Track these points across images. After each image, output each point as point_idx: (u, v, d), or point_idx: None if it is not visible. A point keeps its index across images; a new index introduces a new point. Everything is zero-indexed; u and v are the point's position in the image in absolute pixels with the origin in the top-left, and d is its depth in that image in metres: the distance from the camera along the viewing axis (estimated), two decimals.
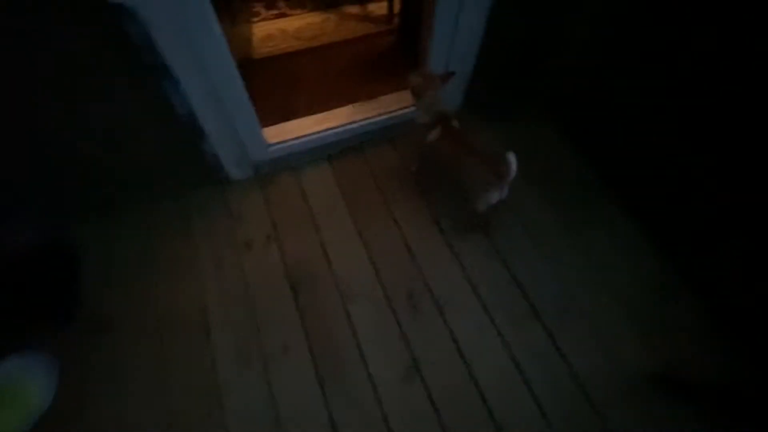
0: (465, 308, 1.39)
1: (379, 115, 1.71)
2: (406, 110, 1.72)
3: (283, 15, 2.32)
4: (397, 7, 2.23)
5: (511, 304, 1.40)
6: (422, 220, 1.58)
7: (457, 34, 1.50)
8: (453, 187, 1.61)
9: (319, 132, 1.63)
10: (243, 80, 1.30)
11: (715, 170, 1.27)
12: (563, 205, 1.62)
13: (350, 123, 1.67)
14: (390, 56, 2.13)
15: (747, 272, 1.27)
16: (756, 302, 1.28)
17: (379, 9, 2.39)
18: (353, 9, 2.39)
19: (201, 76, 1.18)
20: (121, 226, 1.51)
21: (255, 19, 2.28)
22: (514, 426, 1.20)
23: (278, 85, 1.94)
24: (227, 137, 1.43)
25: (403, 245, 1.51)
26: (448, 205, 1.61)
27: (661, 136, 1.40)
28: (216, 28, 1.12)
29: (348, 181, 1.67)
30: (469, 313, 1.38)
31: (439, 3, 1.39)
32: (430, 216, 1.59)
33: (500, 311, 1.39)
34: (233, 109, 1.35)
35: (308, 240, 1.51)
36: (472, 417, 1.21)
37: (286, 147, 1.61)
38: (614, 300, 1.42)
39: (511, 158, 1.19)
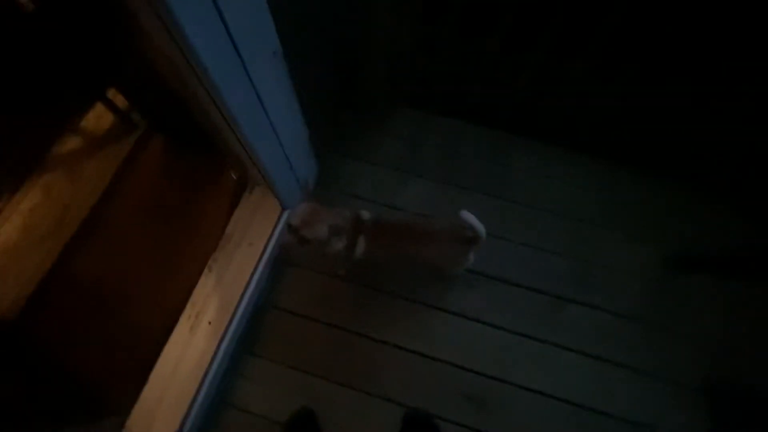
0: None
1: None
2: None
3: None
4: (122, 100, 1.55)
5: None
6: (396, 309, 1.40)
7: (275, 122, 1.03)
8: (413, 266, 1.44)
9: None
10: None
11: None
12: None
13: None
14: (177, 164, 1.57)
15: None
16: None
17: (99, 120, 1.63)
18: (66, 153, 1.57)
19: None
20: None
21: None
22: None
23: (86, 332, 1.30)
24: None
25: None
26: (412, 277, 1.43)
27: None
28: None
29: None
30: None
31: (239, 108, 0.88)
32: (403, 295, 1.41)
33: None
34: None
35: None
36: None
37: None
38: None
39: (471, 218, 1.10)
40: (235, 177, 1.50)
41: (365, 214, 1.15)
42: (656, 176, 1.61)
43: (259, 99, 0.94)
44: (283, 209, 1.39)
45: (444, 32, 1.41)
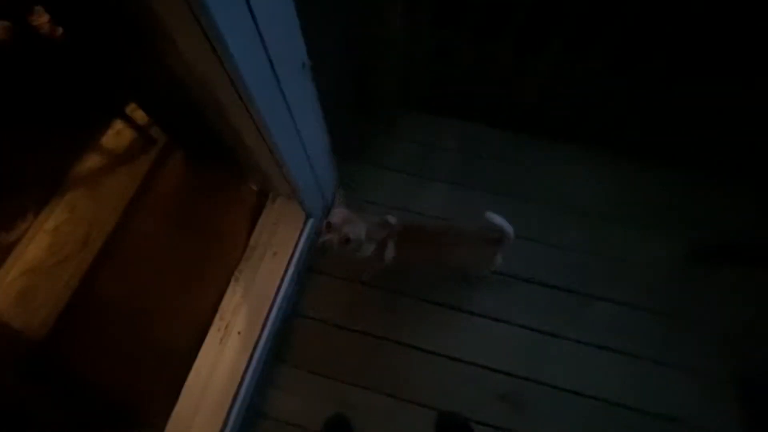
0: None
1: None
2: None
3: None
4: (140, 115, 1.60)
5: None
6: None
7: (302, 132, 1.05)
8: (438, 269, 1.45)
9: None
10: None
11: None
12: None
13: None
14: (197, 178, 1.60)
15: None
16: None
17: (119, 136, 1.66)
18: (87, 170, 1.60)
19: None
20: None
21: None
22: None
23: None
24: None
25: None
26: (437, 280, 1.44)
27: None
28: None
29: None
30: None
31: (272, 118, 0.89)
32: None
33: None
34: None
35: None
36: None
37: None
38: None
39: (498, 219, 1.09)
40: (255, 188, 1.51)
41: (393, 219, 1.16)
42: (673, 169, 1.62)
43: (288, 108, 0.95)
44: (308, 217, 1.40)
45: (457, 36, 1.43)
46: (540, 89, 1.53)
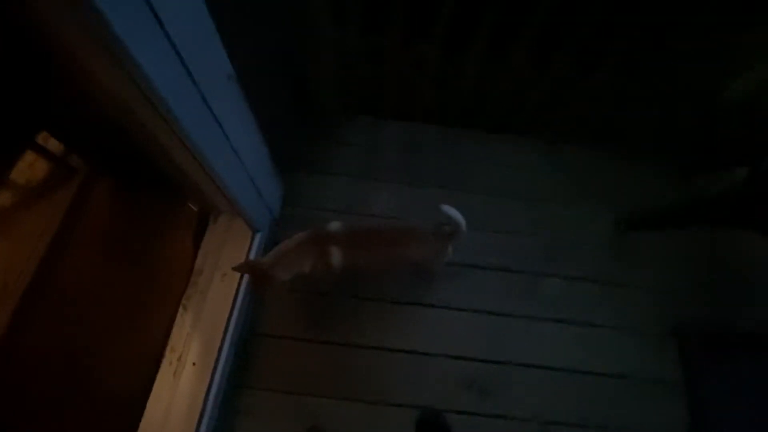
0: None
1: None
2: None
3: None
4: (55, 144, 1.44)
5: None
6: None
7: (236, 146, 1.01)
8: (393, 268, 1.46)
9: None
10: None
11: None
12: None
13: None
14: (129, 204, 1.48)
15: None
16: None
17: (31, 169, 1.48)
18: None
19: None
20: None
21: None
22: None
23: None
24: None
25: None
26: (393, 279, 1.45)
27: None
28: None
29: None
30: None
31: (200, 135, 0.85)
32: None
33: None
34: None
35: None
36: None
37: None
38: None
39: (451, 211, 1.12)
40: (195, 208, 1.43)
41: (334, 226, 1.15)
42: (601, 149, 1.75)
43: (219, 124, 0.92)
44: (255, 232, 1.35)
45: (386, 40, 1.46)
46: (470, 86, 1.59)
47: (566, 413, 1.32)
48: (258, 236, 1.35)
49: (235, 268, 1.06)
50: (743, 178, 1.29)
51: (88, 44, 0.65)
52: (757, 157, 1.38)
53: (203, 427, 1.11)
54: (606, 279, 1.51)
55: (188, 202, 1.45)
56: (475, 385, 1.33)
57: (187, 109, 0.78)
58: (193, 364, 1.19)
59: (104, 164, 1.48)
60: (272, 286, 1.05)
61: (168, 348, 1.22)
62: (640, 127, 1.68)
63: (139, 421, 1.12)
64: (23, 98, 1.23)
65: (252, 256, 1.32)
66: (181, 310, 1.27)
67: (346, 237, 1.13)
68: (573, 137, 1.75)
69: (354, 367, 1.33)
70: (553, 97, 1.61)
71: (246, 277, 1.28)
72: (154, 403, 1.14)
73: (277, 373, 1.30)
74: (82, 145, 1.42)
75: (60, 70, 0.92)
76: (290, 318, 1.38)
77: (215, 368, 1.18)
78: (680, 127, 1.64)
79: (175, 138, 0.84)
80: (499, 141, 1.77)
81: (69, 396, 1.21)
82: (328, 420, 1.24)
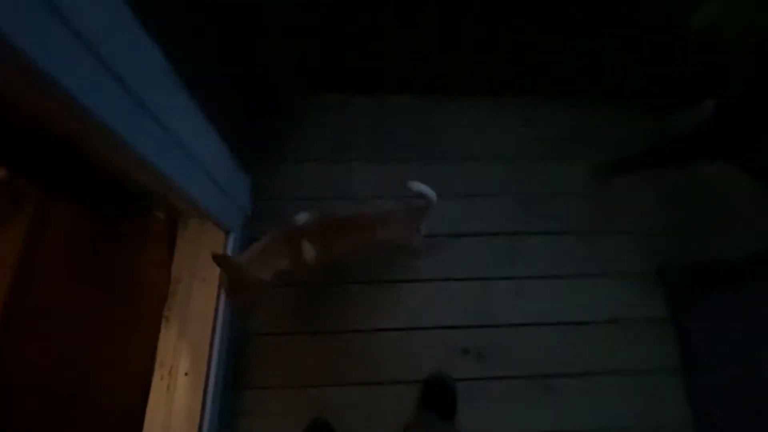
0: None
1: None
2: None
3: None
4: None
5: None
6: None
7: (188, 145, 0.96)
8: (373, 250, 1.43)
9: None
10: None
11: None
12: None
13: None
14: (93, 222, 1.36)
15: None
16: None
17: None
18: None
19: None
20: None
21: None
22: None
23: None
24: None
25: None
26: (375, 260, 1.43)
27: None
28: None
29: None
30: None
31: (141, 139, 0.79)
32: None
33: None
34: None
35: None
36: None
37: None
38: None
39: (420, 186, 1.09)
40: (163, 216, 1.37)
41: (302, 218, 1.11)
42: (572, 101, 1.72)
43: (161, 126, 0.85)
44: (228, 233, 1.30)
45: (341, 11, 1.37)
46: (429, 52, 1.53)
47: (566, 365, 1.35)
48: (231, 236, 1.30)
49: (214, 257, 1.00)
50: (711, 111, 1.29)
51: None
52: (724, 88, 1.38)
53: None
54: (588, 229, 1.52)
55: (154, 210, 1.38)
56: (472, 351, 1.34)
57: (118, 117, 0.71)
58: (186, 374, 1.16)
59: (56, 185, 1.39)
60: (249, 290, 1.02)
61: (157, 362, 1.19)
62: (609, 73, 1.65)
63: None
64: None
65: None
66: (164, 322, 1.23)
67: (316, 229, 1.10)
68: (543, 92, 1.71)
69: (349, 353, 1.32)
70: (516, 54, 1.56)
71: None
72: (152, 420, 1.12)
73: (273, 370, 1.29)
74: (27, 168, 1.32)
75: None
76: (278, 313, 1.36)
77: (208, 375, 1.16)
78: (649, 66, 1.61)
79: (114, 143, 0.78)
80: (470, 105, 1.72)
81: (61, 421, 1.18)
82: (331, 408, 1.24)
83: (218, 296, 1.23)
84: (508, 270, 1.45)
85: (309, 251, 1.10)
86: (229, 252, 1.29)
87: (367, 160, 1.61)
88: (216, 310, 1.22)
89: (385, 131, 1.67)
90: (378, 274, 1.42)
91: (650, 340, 1.39)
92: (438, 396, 1.25)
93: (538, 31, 1.45)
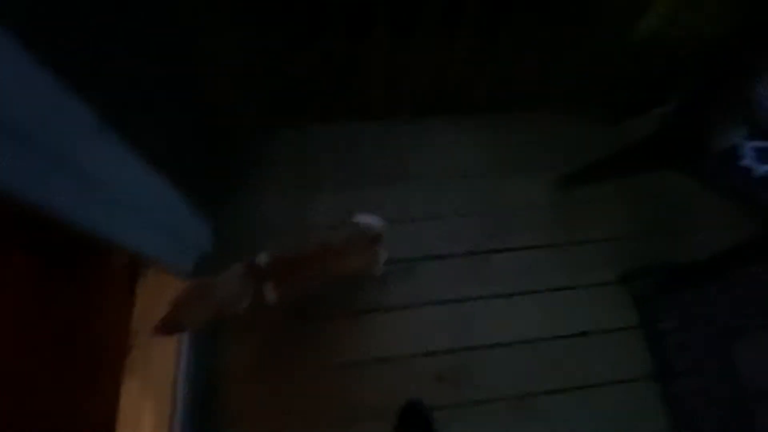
0: None
1: None
2: None
3: None
4: None
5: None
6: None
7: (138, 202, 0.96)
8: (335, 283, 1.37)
9: None
10: None
11: None
12: None
13: None
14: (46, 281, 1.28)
15: None
16: None
17: None
18: None
19: None
20: None
21: None
22: None
23: None
24: None
25: None
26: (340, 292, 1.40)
27: None
28: None
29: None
30: None
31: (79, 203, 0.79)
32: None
33: None
34: None
35: None
36: None
37: None
38: None
39: (365, 218, 1.11)
40: (121, 266, 1.33)
41: (263, 258, 1.08)
42: (529, 113, 1.74)
43: (100, 183, 0.83)
44: (189, 278, 1.27)
45: (283, 43, 1.38)
46: (385, 76, 1.54)
47: (543, 382, 1.35)
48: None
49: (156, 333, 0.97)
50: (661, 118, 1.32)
51: None
52: (674, 94, 1.42)
53: None
54: (554, 242, 1.53)
55: (114, 259, 1.34)
56: (447, 377, 1.32)
57: (41, 180, 0.69)
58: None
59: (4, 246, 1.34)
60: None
61: (120, 420, 1.14)
62: (563, 83, 1.69)
63: None
64: None
65: None
66: (126, 377, 1.18)
67: (274, 269, 1.07)
68: (500, 106, 1.74)
69: (324, 390, 1.29)
70: (470, 71, 1.58)
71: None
72: None
73: (245, 417, 1.25)
74: None
75: None
76: (243, 355, 1.32)
77: (173, 429, 1.11)
78: (602, 74, 1.65)
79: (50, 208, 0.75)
80: (428, 126, 1.73)
81: None
82: None
83: (180, 345, 1.20)
84: (480, 290, 1.44)
85: (270, 294, 1.08)
86: None
87: (328, 189, 1.60)
88: (178, 360, 1.18)
89: (345, 157, 1.67)
90: (345, 307, 1.40)
91: (625, 349, 1.40)
92: (413, 425, 1.23)
93: (489, 46, 1.47)
